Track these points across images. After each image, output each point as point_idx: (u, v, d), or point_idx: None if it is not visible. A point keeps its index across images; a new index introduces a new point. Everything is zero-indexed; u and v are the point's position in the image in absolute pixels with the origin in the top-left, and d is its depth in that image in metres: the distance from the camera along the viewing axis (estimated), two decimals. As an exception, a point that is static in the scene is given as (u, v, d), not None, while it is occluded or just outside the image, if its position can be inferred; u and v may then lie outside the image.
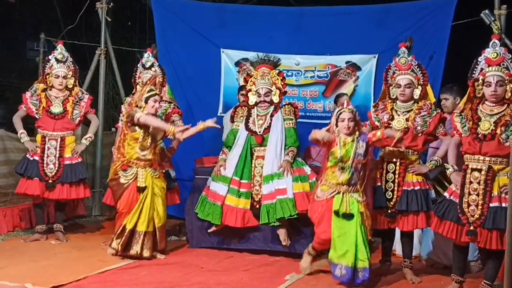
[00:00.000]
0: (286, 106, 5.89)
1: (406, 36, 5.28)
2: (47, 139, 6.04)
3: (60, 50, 6.14)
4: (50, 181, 5.98)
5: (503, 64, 4.42)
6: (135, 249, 5.35)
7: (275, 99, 5.84)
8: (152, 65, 6.15)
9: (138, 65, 6.25)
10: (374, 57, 7.17)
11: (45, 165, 6.00)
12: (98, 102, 7.77)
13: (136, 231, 5.38)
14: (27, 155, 6.09)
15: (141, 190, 5.41)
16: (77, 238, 6.33)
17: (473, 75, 4.53)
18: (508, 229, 2.68)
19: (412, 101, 5.08)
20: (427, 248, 5.66)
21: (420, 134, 5.02)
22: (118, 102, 9.30)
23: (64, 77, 6.10)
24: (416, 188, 4.98)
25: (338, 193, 4.76)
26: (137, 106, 5.42)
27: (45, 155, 6.01)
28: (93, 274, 4.78)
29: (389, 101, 5.16)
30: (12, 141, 7.64)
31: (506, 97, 4.42)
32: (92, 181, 7.30)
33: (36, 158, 6.02)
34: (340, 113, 4.81)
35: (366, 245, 4.65)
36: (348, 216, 4.71)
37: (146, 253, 5.38)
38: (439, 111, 5.08)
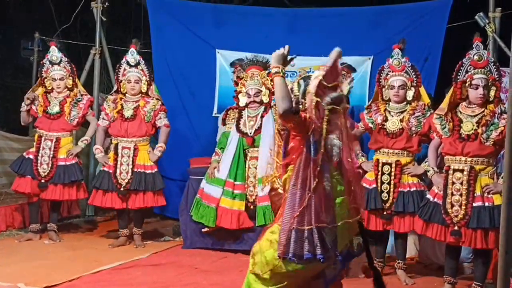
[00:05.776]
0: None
1: (401, 38, 5.31)
2: (43, 139, 6.04)
3: (52, 52, 6.12)
4: (42, 180, 5.97)
5: (487, 67, 4.52)
6: None
7: (265, 99, 5.85)
8: (138, 63, 6.07)
9: (122, 62, 6.12)
10: (369, 58, 7.17)
11: (39, 164, 5.99)
12: (92, 101, 7.74)
13: None
14: (23, 154, 6.12)
15: None
16: (70, 238, 6.32)
17: (458, 77, 4.60)
18: (502, 229, 2.72)
19: (405, 102, 5.11)
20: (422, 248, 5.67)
21: (414, 135, 5.05)
22: (113, 102, 9.25)
23: (61, 79, 6.08)
24: (412, 190, 5.00)
25: None
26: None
27: (40, 155, 6.01)
28: (87, 274, 4.77)
29: (382, 102, 5.17)
30: (5, 140, 7.59)
31: (490, 99, 4.51)
32: (86, 182, 7.28)
33: (31, 156, 6.03)
34: None
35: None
36: None
37: None
38: (433, 111, 5.05)
